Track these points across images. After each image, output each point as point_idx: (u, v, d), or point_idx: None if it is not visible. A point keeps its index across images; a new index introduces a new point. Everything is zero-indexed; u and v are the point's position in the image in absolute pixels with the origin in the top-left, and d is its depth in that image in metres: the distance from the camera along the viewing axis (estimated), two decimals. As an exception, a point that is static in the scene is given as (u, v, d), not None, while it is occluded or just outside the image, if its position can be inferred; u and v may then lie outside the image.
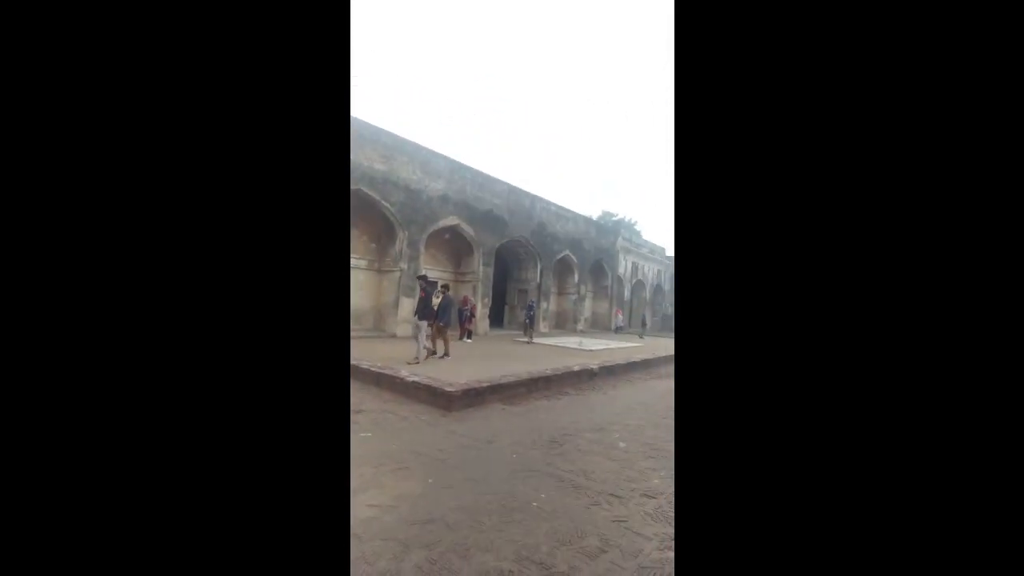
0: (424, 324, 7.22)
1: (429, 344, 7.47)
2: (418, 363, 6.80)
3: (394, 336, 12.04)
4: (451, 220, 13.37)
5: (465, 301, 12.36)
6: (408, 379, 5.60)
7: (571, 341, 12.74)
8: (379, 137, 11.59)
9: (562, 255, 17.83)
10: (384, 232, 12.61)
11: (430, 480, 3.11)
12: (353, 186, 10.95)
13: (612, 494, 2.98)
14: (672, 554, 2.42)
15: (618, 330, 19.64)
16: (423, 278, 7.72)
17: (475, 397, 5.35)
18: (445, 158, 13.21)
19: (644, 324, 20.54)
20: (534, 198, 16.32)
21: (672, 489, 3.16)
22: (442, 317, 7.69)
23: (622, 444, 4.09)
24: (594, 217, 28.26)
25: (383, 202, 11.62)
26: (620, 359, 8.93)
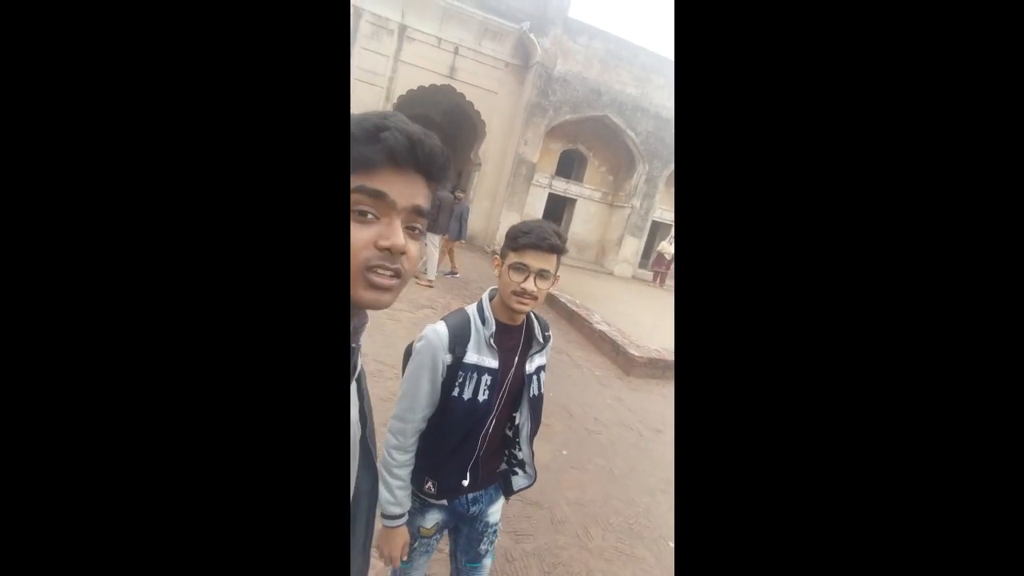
0: (436, 238, 6.13)
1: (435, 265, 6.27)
2: (431, 285, 5.95)
3: (611, 274, 11.69)
4: (704, 158, 11.46)
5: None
6: (596, 325, 5.21)
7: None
8: (636, 56, 10.42)
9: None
10: (624, 164, 11.82)
11: (564, 452, 2.76)
12: (600, 112, 10.37)
13: None
14: None
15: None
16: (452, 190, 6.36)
17: (663, 369, 4.60)
18: (714, 82, 11.08)
19: None
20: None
21: None
22: (450, 230, 6.39)
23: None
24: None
25: (628, 131, 10.70)
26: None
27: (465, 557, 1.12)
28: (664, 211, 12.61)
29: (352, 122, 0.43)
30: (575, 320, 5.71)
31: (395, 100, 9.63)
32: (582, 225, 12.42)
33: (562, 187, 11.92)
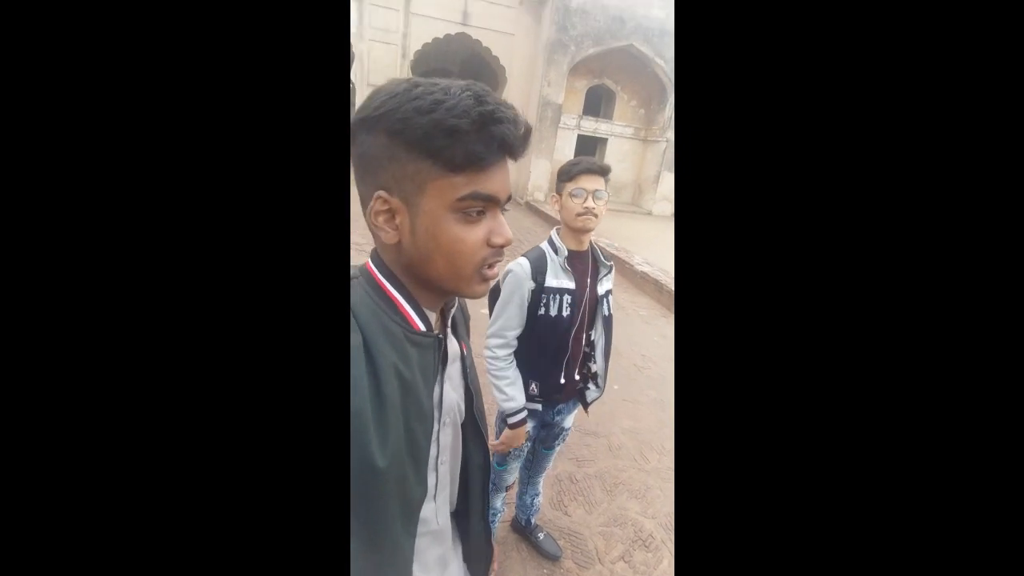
0: None
1: None
2: None
3: (649, 214, 11.40)
4: (742, 76, 10.61)
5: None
6: (637, 267, 5.22)
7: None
8: (664, -29, 9.56)
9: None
10: (655, 95, 11.17)
11: (615, 387, 2.91)
12: (624, 41, 9.73)
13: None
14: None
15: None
16: None
17: (708, 303, 4.60)
18: (750, -13, 10.03)
19: None
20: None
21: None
22: None
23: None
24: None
25: (656, 59, 10.03)
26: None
27: (542, 446, 1.51)
28: (701, 140, 11.95)
29: (455, 111, 0.38)
30: (616, 263, 5.72)
31: (411, 56, 9.43)
32: (616, 164, 11.98)
33: (591, 126, 11.49)
